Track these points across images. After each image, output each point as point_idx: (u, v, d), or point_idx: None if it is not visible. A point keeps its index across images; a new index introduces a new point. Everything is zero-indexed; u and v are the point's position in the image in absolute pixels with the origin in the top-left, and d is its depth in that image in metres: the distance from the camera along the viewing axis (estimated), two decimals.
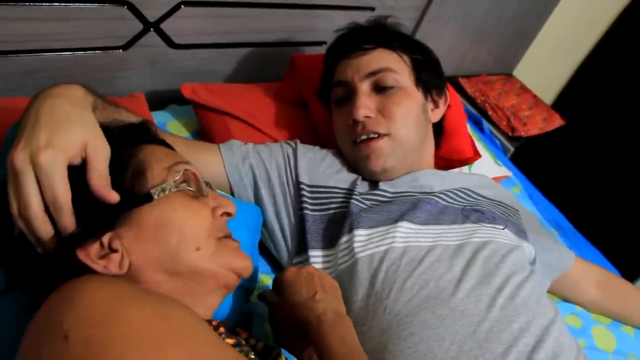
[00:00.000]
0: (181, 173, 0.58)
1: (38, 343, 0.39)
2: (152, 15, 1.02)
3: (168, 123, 1.11)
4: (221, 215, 0.61)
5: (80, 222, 0.51)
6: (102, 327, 0.39)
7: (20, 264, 0.54)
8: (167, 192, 0.55)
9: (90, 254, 0.51)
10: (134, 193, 0.54)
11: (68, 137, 0.51)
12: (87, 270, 0.50)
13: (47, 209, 0.50)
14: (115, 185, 0.53)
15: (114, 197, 0.52)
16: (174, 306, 0.44)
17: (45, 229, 0.50)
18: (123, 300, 0.42)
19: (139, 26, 1.02)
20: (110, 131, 0.59)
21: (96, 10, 0.95)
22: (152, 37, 1.05)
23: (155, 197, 0.54)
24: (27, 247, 0.52)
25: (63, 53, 0.98)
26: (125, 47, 1.04)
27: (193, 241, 0.56)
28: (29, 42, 0.93)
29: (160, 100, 1.17)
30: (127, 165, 0.56)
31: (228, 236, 0.62)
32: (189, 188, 0.58)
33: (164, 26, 1.05)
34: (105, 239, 0.52)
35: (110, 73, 1.07)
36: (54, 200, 0.49)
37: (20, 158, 0.49)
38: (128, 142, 0.59)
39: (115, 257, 0.52)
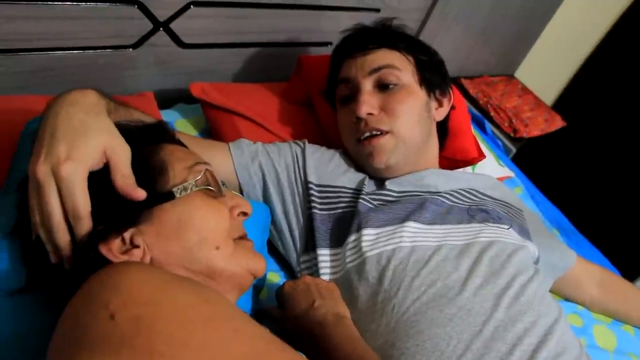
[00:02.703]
0: (202, 173, 0.59)
1: (82, 325, 0.40)
2: (161, 15, 1.03)
3: (176, 121, 1.12)
4: (238, 215, 0.62)
5: (103, 218, 0.53)
6: (149, 307, 0.40)
7: (41, 262, 0.55)
8: (189, 191, 0.57)
9: (112, 249, 0.52)
10: (156, 191, 0.56)
11: (87, 147, 0.53)
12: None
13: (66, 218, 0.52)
14: (139, 183, 0.55)
15: (140, 194, 0.53)
16: (211, 291, 0.46)
17: (64, 238, 0.52)
18: (166, 284, 0.43)
19: (149, 25, 1.03)
20: (128, 131, 0.60)
21: (106, 9, 0.96)
22: (161, 36, 1.06)
23: (178, 195, 0.56)
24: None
25: (73, 52, 0.99)
26: (134, 46, 1.05)
27: (213, 240, 0.57)
28: (39, 41, 0.94)
29: (168, 99, 1.18)
30: (148, 163, 0.57)
31: (244, 236, 0.63)
32: (209, 187, 0.59)
33: (173, 26, 1.06)
34: (127, 234, 0.54)
35: (120, 72, 1.08)
36: (74, 209, 0.51)
37: (42, 170, 0.51)
38: (148, 141, 0.60)
39: (137, 252, 0.53)
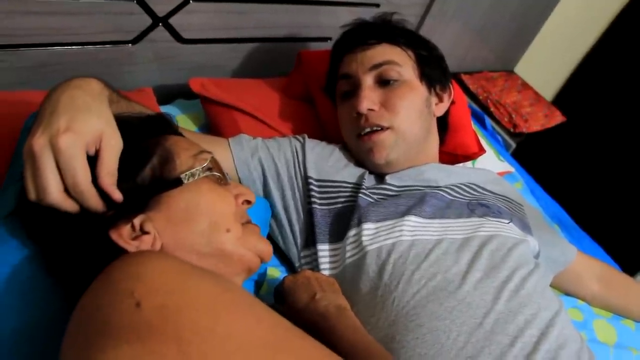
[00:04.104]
0: (208, 160, 0.60)
1: (106, 313, 0.40)
2: (161, 10, 1.03)
3: (176, 117, 1.12)
4: (242, 203, 0.63)
5: (112, 204, 0.53)
6: (174, 295, 0.40)
7: (55, 248, 0.55)
8: (196, 177, 0.58)
9: (123, 235, 0.53)
10: (163, 178, 0.56)
11: (87, 123, 0.52)
12: (120, 254, 0.51)
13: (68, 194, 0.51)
14: (139, 173, 0.55)
15: (117, 196, 0.53)
16: (228, 280, 0.47)
17: (69, 206, 0.51)
18: (187, 273, 0.44)
19: (148, 21, 1.03)
20: (129, 123, 0.60)
21: (106, 4, 0.96)
22: (160, 31, 1.06)
23: (185, 181, 0.57)
24: (61, 232, 0.53)
25: (72, 47, 0.99)
26: (134, 41, 1.05)
27: (223, 223, 0.58)
28: (39, 36, 0.94)
29: (168, 95, 1.18)
30: (154, 152, 0.58)
31: (249, 222, 0.64)
32: (215, 174, 0.60)
33: (172, 21, 1.06)
34: (137, 221, 0.54)
35: (119, 67, 1.08)
36: (74, 185, 0.50)
37: (39, 142, 0.49)
38: (152, 132, 0.61)
39: (148, 238, 0.54)
